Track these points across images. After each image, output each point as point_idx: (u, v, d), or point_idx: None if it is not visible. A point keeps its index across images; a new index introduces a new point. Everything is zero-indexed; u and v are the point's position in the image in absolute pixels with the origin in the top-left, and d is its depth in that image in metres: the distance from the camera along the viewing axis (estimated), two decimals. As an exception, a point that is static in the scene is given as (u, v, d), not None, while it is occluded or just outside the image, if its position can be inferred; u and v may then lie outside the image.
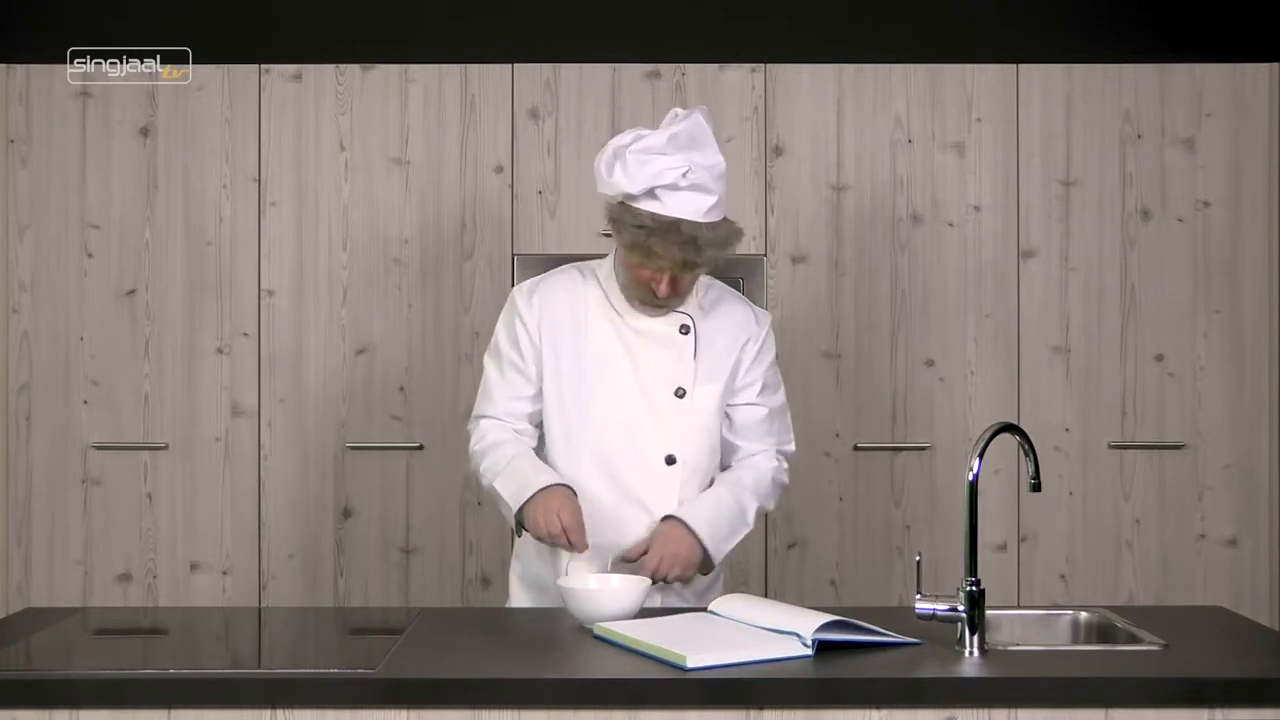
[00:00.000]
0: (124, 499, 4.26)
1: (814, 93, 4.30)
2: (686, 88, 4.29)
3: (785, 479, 2.99)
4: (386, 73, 4.29)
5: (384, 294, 4.27)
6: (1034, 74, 4.30)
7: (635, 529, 2.81)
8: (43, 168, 4.27)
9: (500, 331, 2.93)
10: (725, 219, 2.73)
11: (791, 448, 3.02)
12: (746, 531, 2.89)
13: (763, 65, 4.30)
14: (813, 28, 4.51)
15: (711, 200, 2.69)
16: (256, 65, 4.28)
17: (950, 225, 4.29)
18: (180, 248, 4.27)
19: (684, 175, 2.65)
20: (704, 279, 2.91)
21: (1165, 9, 4.50)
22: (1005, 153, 4.29)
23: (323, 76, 4.29)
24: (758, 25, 4.49)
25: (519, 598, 2.94)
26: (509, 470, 2.81)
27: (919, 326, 4.28)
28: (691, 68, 4.30)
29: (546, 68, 4.28)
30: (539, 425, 2.91)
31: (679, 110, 2.75)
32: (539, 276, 2.95)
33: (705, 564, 2.83)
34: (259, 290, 4.27)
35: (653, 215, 2.66)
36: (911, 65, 4.30)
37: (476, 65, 4.29)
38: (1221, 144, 4.28)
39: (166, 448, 4.26)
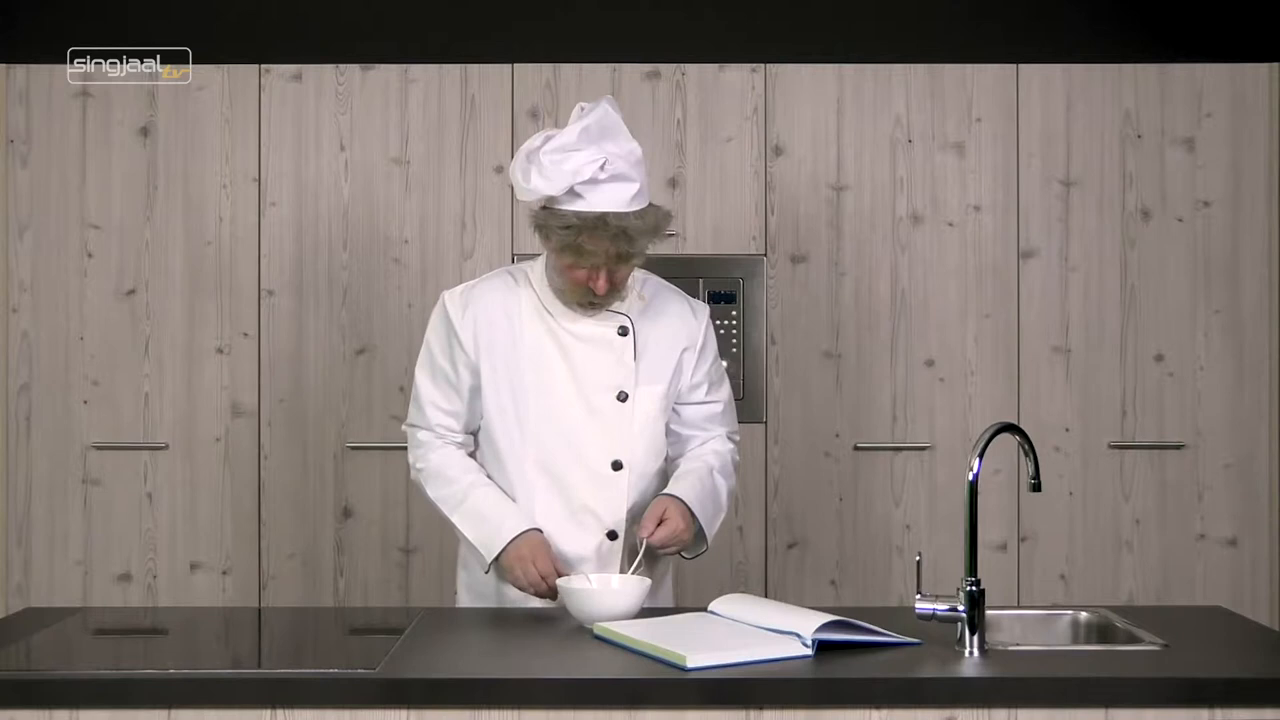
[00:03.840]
0: (124, 499, 4.26)
1: (814, 93, 4.30)
2: (686, 88, 4.29)
3: (739, 458, 2.99)
4: (386, 73, 4.29)
5: (384, 294, 4.27)
6: (1034, 74, 4.30)
7: (587, 537, 2.79)
8: (43, 168, 4.27)
9: (432, 341, 2.88)
10: (652, 205, 2.70)
11: (738, 436, 3.02)
12: (723, 516, 2.89)
13: (763, 65, 4.30)
14: (813, 28, 4.51)
15: (634, 188, 2.65)
16: (256, 65, 4.28)
17: (950, 225, 4.29)
18: (180, 248, 4.27)
19: (601, 168, 2.62)
20: (639, 273, 2.86)
21: (1165, 9, 4.50)
22: (1005, 153, 4.29)
23: (323, 76, 4.29)
24: (758, 25, 4.49)
25: (466, 604, 2.91)
26: (467, 509, 2.78)
27: (919, 326, 4.28)
28: (691, 68, 4.30)
29: (546, 68, 4.28)
30: (473, 432, 2.87)
31: (584, 104, 2.71)
32: (469, 282, 2.90)
33: (698, 542, 2.83)
34: (259, 290, 4.27)
35: (577, 213, 2.63)
36: (911, 65, 4.30)
37: (476, 65, 4.29)
38: (1221, 144, 4.28)
39: (166, 448, 4.26)
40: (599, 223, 2.62)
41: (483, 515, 2.76)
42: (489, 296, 2.84)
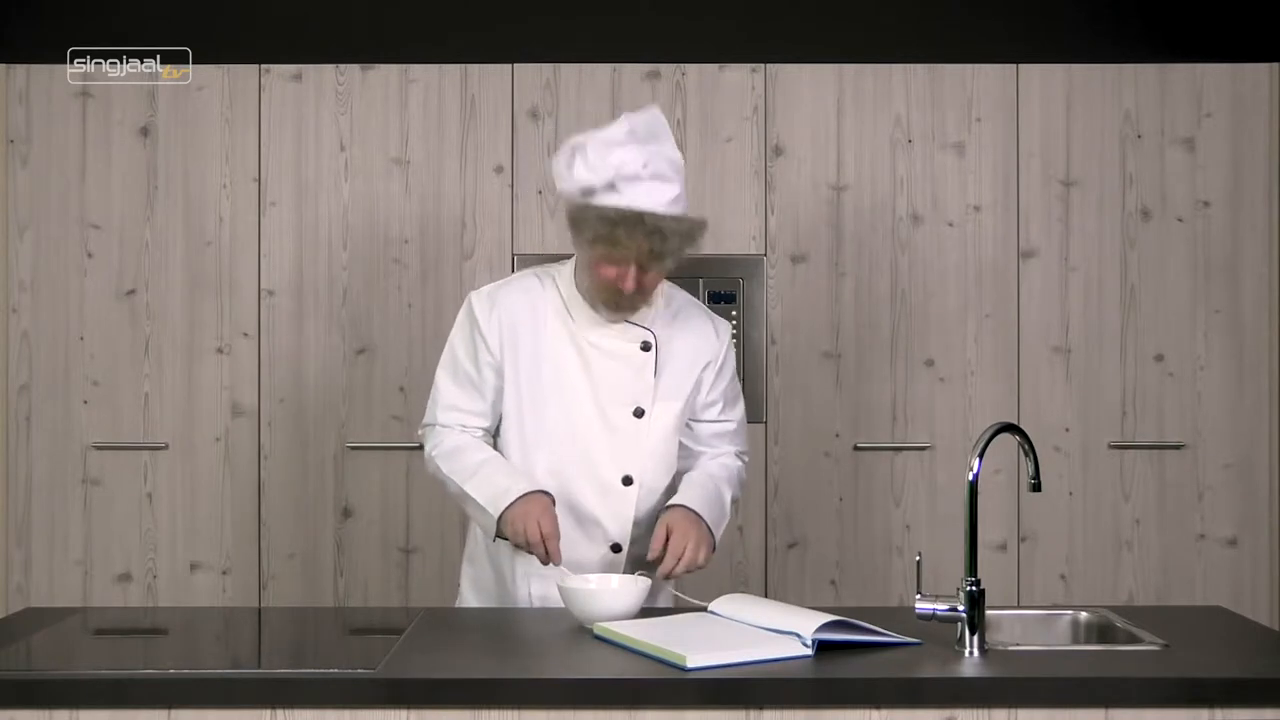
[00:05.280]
0: (124, 499, 4.26)
1: (814, 93, 4.30)
2: (686, 88, 4.29)
3: (746, 477, 3.01)
4: (386, 73, 4.29)
5: (384, 294, 4.27)
6: (1034, 74, 4.30)
7: (591, 547, 2.79)
8: (43, 168, 4.27)
9: (456, 341, 2.87)
10: (688, 213, 2.72)
11: (748, 457, 3.04)
12: (726, 521, 2.89)
13: (763, 65, 4.30)
14: (813, 28, 4.50)
15: (674, 191, 2.67)
16: (256, 65, 4.28)
17: (950, 225, 4.29)
18: (180, 248, 4.27)
19: (644, 165, 2.64)
20: (665, 287, 2.86)
21: (1165, 9, 4.50)
22: (1005, 153, 4.29)
23: (323, 76, 4.29)
24: (758, 25, 4.49)
25: (469, 602, 2.92)
26: (481, 475, 2.76)
27: (919, 326, 4.28)
28: (691, 68, 4.30)
29: (546, 68, 4.28)
30: (494, 434, 2.87)
31: (629, 113, 2.75)
32: (496, 283, 2.90)
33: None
34: (259, 290, 4.27)
35: (616, 208, 2.64)
36: (911, 65, 4.30)
37: (476, 65, 4.30)
38: (1221, 144, 4.28)
39: (166, 448, 4.26)
40: (636, 219, 2.63)
41: (494, 479, 2.75)
42: (515, 298, 2.84)
